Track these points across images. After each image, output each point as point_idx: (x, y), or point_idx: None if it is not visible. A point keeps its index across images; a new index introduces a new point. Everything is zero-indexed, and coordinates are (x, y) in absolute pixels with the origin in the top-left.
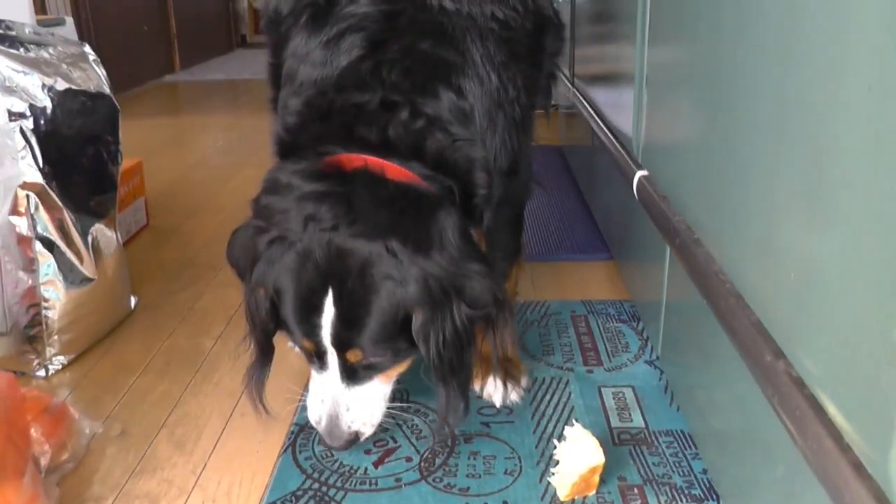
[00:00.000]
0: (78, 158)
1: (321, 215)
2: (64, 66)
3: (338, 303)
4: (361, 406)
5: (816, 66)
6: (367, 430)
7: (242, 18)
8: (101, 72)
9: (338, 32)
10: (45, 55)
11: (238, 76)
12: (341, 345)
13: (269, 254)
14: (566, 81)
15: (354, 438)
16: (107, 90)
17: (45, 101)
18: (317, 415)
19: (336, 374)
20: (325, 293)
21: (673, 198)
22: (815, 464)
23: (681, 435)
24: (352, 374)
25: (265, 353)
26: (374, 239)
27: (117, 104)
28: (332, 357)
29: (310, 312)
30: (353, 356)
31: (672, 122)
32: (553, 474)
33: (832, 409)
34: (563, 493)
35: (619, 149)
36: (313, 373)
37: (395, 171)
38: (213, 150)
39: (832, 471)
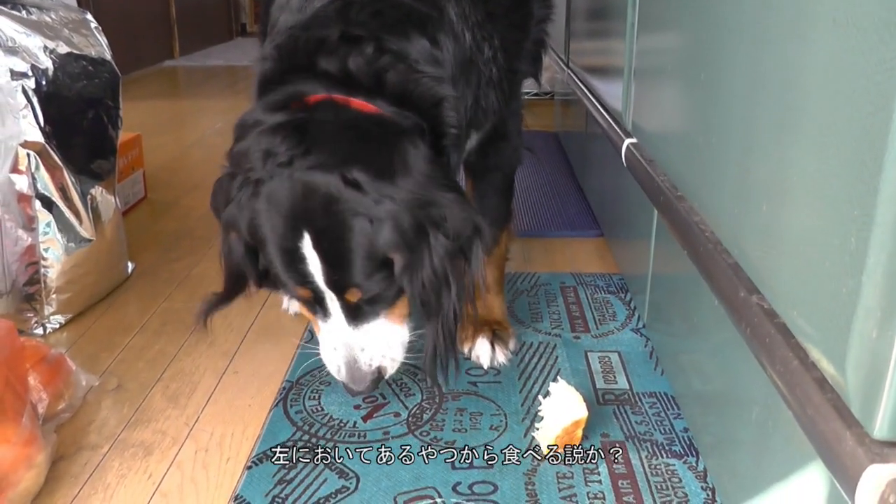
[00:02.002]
0: (78, 121)
1: (275, 148)
2: (66, 30)
3: (317, 246)
4: (377, 343)
5: (785, 34)
6: (391, 367)
7: (243, 7)
8: (103, 39)
9: None
10: (47, 19)
11: (238, 63)
12: (337, 287)
13: (238, 197)
14: (562, 65)
15: (378, 377)
16: (108, 56)
17: (47, 63)
18: (334, 365)
19: (341, 318)
20: (301, 238)
21: (658, 161)
22: (783, 387)
23: (664, 396)
24: (356, 315)
25: (231, 292)
26: (331, 170)
27: (118, 71)
28: (332, 301)
29: (294, 260)
30: (352, 295)
31: (658, 95)
32: (537, 429)
33: (799, 331)
34: (546, 447)
35: (610, 121)
36: (319, 324)
37: (359, 103)
38: (212, 131)
39: (798, 390)
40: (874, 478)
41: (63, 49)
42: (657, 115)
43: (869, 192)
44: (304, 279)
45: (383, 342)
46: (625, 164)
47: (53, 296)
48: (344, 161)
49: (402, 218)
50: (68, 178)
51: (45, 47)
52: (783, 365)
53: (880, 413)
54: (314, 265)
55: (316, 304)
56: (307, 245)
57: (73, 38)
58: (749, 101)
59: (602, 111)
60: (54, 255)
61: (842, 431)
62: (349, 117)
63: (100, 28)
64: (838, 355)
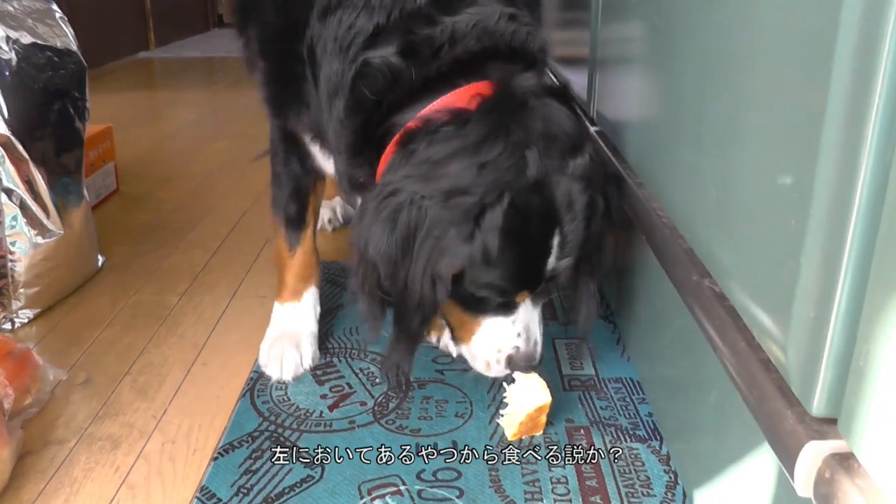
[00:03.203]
0: (44, 113)
1: (535, 143)
2: (29, 20)
3: (561, 240)
4: (540, 314)
5: (731, 26)
6: None
7: None
8: (68, 29)
9: None
10: (10, 8)
11: (214, 54)
12: (555, 275)
13: (488, 223)
14: None
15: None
16: (73, 47)
17: (10, 54)
18: (510, 348)
19: (530, 303)
20: (552, 238)
21: (619, 148)
22: (732, 369)
23: (629, 382)
24: (541, 295)
25: (419, 336)
26: (577, 154)
27: (84, 61)
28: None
29: (536, 264)
30: (561, 278)
31: (618, 84)
32: (502, 416)
33: (745, 313)
34: (510, 433)
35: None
36: (489, 320)
37: (542, 80)
38: (187, 123)
39: (745, 372)
40: (812, 454)
41: (27, 39)
42: (618, 104)
43: (807, 174)
44: (537, 280)
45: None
46: None
47: (21, 290)
48: (583, 139)
49: (612, 187)
50: (34, 171)
51: (8, 38)
52: (731, 347)
53: (818, 391)
54: (553, 259)
55: (505, 302)
56: (555, 242)
57: (38, 29)
58: (699, 88)
59: None
60: (21, 248)
61: (784, 410)
62: (553, 94)
63: (65, 18)
64: (780, 336)
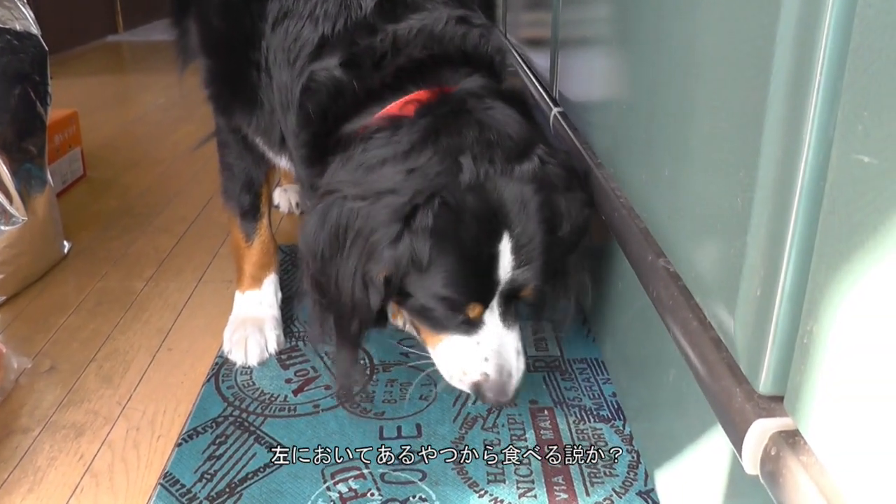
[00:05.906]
0: (4, 97)
1: (468, 148)
2: None
3: (514, 245)
4: (521, 345)
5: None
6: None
7: None
8: (28, 12)
9: None
10: None
11: None
12: (517, 286)
13: (419, 224)
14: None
15: (519, 386)
16: (34, 30)
17: None
18: (478, 374)
19: (498, 322)
20: (499, 241)
21: (580, 129)
22: (685, 348)
23: (594, 362)
24: (507, 316)
25: (357, 343)
26: (528, 155)
27: (45, 45)
28: (493, 306)
29: (484, 270)
30: (527, 291)
31: (578, 65)
32: None
33: (697, 292)
34: None
35: (541, 90)
36: (451, 337)
37: (492, 86)
38: (154, 106)
39: (697, 351)
40: (759, 431)
41: None
42: (578, 85)
43: (752, 153)
44: (489, 289)
45: (522, 345)
46: (552, 132)
47: None
48: (531, 143)
49: (578, 180)
50: None
51: None
52: (684, 326)
53: (765, 369)
54: (505, 269)
55: (469, 317)
56: (504, 247)
57: None
58: (653, 69)
59: (534, 81)
60: None
61: (733, 388)
62: (504, 98)
63: (24, 0)
64: (728, 314)
